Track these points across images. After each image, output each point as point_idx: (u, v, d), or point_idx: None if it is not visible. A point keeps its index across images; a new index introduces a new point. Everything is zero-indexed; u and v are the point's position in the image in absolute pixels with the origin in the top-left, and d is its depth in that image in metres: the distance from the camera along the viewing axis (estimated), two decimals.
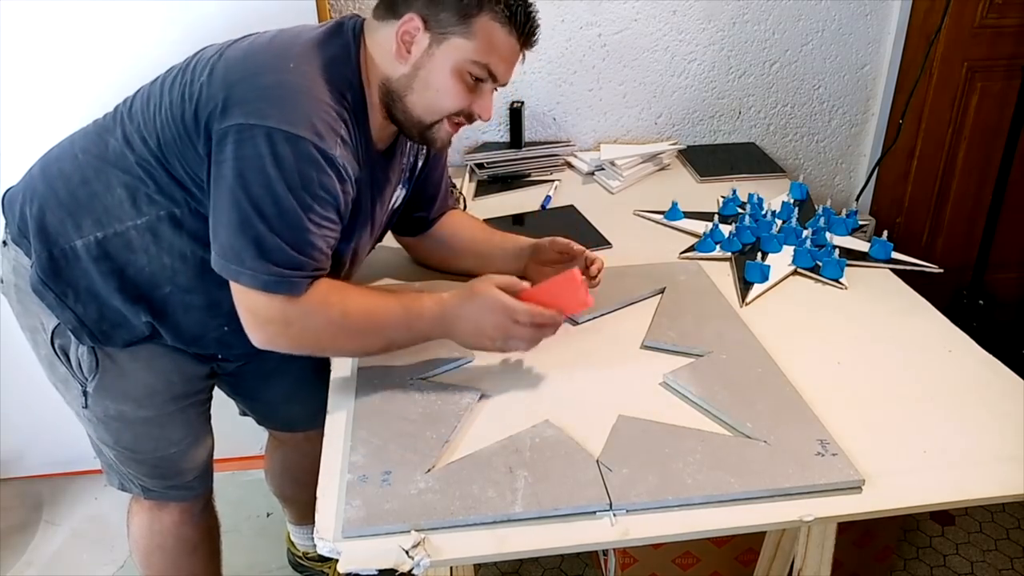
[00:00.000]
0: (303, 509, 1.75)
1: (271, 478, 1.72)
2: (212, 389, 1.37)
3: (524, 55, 1.12)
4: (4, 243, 1.20)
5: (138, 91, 1.15)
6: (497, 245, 1.33)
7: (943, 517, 1.98)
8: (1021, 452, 1.01)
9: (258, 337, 1.05)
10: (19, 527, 1.98)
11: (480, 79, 1.07)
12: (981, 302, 2.27)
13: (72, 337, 1.16)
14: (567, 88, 1.97)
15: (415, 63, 1.06)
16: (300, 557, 1.84)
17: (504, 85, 1.11)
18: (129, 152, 1.09)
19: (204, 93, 1.03)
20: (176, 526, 1.38)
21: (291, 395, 1.47)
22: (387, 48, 1.07)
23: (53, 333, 1.17)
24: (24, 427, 2.03)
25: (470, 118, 1.11)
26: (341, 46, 1.07)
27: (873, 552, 1.74)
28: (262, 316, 1.03)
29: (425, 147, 1.27)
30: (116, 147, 1.11)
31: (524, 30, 1.07)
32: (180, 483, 1.34)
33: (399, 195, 1.28)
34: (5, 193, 1.20)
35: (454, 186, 1.56)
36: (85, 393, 1.20)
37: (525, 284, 1.11)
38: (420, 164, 1.30)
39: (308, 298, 1.03)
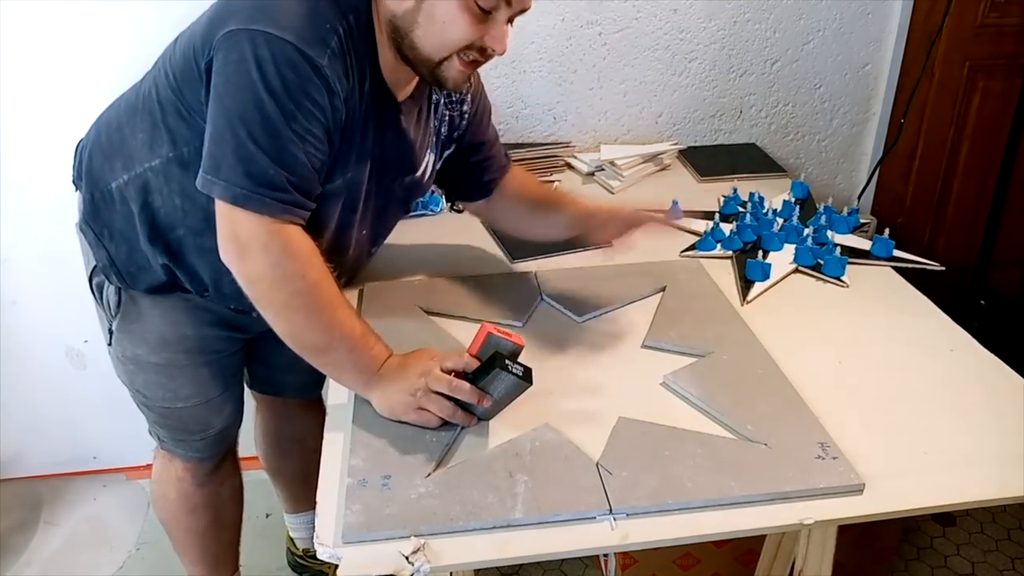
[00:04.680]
0: (293, 487, 1.75)
1: (260, 452, 1.73)
2: (235, 356, 1.36)
3: None
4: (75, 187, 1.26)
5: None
6: (562, 205, 1.35)
7: (944, 518, 1.98)
8: (1022, 453, 1.00)
9: (227, 248, 1.00)
10: (19, 527, 1.98)
11: (487, 10, 0.99)
12: (983, 301, 2.26)
13: (104, 276, 1.22)
14: (567, 87, 1.97)
15: None
16: (300, 556, 1.85)
17: (523, 9, 1.02)
18: (155, 91, 1.11)
19: (211, 13, 1.04)
20: (179, 480, 1.43)
21: (293, 364, 1.46)
22: None
23: (92, 271, 1.25)
24: (24, 427, 2.03)
25: (483, 52, 1.03)
26: None
27: (874, 553, 1.74)
28: (243, 235, 0.98)
29: (464, 117, 1.27)
30: (146, 89, 1.14)
31: None
32: (187, 441, 1.38)
33: (429, 160, 1.25)
34: (78, 143, 1.27)
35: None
36: (110, 331, 1.27)
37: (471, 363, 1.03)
38: (461, 131, 1.29)
39: (297, 242, 1.00)
